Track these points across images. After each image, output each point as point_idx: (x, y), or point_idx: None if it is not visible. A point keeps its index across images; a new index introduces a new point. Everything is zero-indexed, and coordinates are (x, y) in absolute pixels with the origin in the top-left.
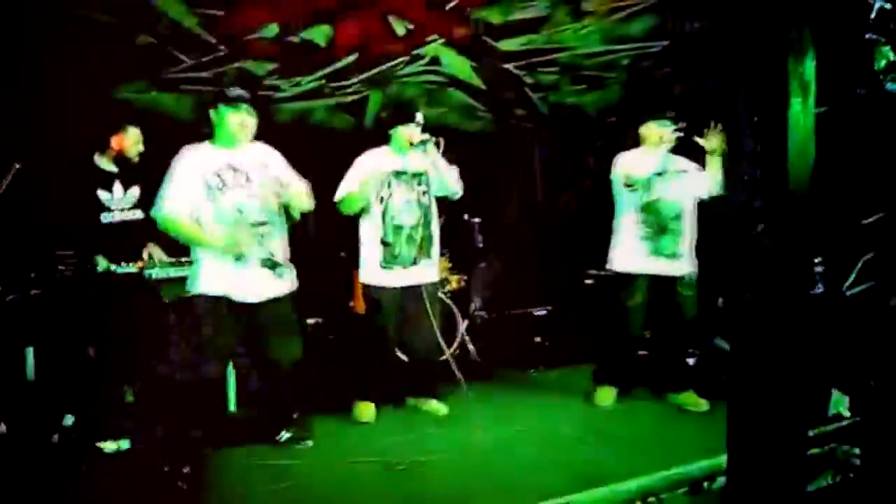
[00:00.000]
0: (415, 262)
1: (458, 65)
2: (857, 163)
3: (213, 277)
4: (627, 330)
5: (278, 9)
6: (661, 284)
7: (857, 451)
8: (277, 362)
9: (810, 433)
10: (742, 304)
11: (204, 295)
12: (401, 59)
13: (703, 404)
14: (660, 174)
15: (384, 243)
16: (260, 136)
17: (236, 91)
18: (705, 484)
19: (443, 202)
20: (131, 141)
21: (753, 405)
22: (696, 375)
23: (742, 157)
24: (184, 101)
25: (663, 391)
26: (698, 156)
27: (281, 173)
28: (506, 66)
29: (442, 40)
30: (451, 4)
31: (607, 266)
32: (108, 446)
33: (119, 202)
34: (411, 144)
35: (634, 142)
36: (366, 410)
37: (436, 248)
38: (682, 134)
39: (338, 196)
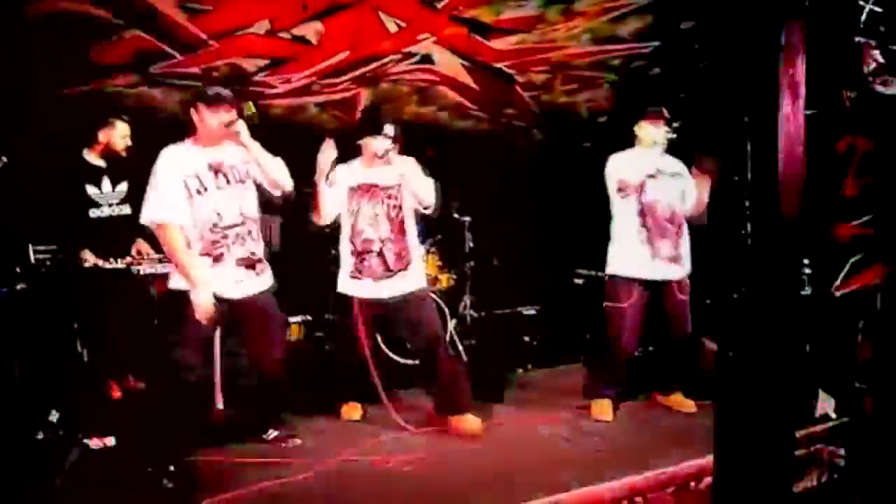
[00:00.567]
0: (388, 276)
1: (449, 63)
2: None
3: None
4: (623, 336)
5: (269, 5)
6: (658, 288)
7: (842, 451)
8: (261, 359)
9: (797, 434)
10: (730, 303)
11: (186, 290)
12: (392, 57)
13: (690, 405)
14: (652, 176)
15: (353, 258)
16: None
17: (215, 89)
18: (692, 484)
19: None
20: (119, 135)
21: (741, 405)
22: (684, 377)
23: (732, 159)
24: (172, 95)
25: (651, 391)
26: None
27: (258, 161)
28: (497, 64)
29: (434, 39)
30: (443, 3)
31: (606, 270)
32: (95, 443)
33: (107, 197)
34: (377, 157)
35: (629, 142)
36: (351, 410)
37: (415, 262)
38: (675, 135)
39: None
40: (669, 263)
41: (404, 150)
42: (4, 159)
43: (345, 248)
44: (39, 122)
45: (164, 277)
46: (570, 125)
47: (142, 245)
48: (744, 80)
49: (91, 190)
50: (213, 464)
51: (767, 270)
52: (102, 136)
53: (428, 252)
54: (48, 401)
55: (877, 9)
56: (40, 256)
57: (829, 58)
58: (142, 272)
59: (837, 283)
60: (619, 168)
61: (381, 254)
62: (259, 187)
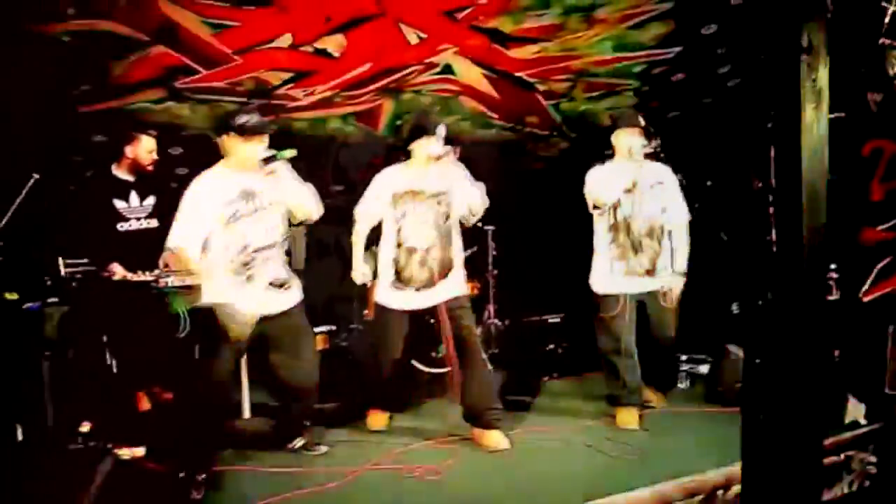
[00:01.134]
0: (428, 286)
1: (470, 73)
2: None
3: (223, 291)
4: (620, 350)
5: (292, 19)
6: (642, 300)
7: (873, 458)
8: (289, 371)
9: (827, 441)
10: (757, 310)
11: (215, 305)
12: (413, 68)
13: (660, 399)
14: (629, 190)
15: (395, 266)
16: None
17: (246, 117)
18: (720, 492)
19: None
20: (145, 150)
21: (769, 412)
22: (664, 381)
23: (755, 164)
24: (198, 110)
25: None
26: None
27: (289, 188)
28: (518, 73)
29: (455, 49)
30: (463, 13)
31: (590, 286)
32: (125, 453)
33: (135, 211)
34: (434, 159)
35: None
36: (378, 419)
37: (456, 271)
38: (652, 150)
39: (355, 216)
40: (645, 277)
41: None
42: (36, 176)
43: (386, 256)
44: (68, 139)
45: (192, 290)
46: (593, 132)
47: (170, 258)
48: (766, 84)
49: (119, 204)
50: (241, 473)
51: (794, 277)
52: (129, 151)
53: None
54: (79, 412)
55: None
56: (70, 270)
57: (853, 61)
58: (170, 284)
59: (865, 288)
60: (595, 186)
61: (424, 262)
62: (293, 203)
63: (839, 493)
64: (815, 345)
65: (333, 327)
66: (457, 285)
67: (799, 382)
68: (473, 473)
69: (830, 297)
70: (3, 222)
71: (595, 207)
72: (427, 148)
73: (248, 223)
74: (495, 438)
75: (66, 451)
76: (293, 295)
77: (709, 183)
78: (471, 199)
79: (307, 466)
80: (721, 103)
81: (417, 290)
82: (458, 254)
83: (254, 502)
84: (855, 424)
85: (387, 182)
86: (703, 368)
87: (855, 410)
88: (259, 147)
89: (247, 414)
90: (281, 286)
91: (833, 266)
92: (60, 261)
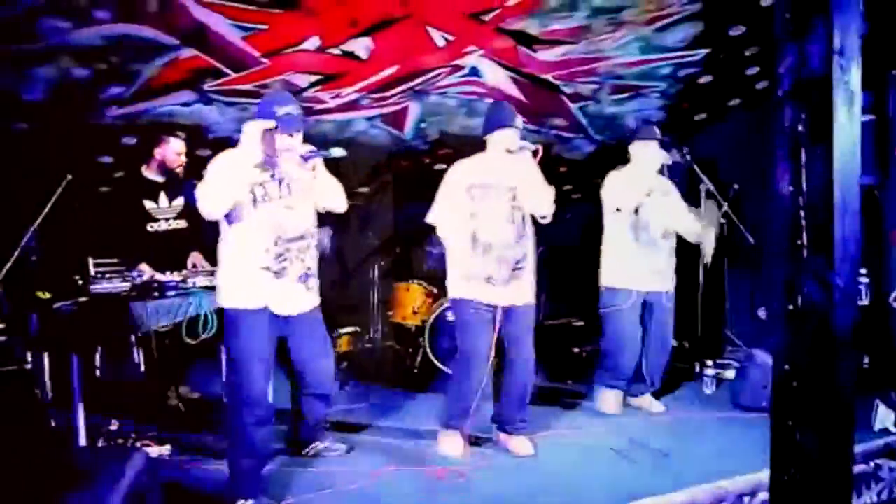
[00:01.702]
0: (504, 283)
1: (496, 75)
2: None
3: (252, 289)
4: (625, 343)
5: (320, 21)
6: (648, 298)
7: None
8: (310, 372)
9: (856, 449)
10: (785, 315)
11: (243, 308)
12: (440, 71)
13: (660, 407)
14: (647, 195)
15: (471, 263)
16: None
17: (285, 108)
18: (746, 498)
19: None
20: (174, 151)
21: (797, 419)
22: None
23: (785, 168)
24: (227, 113)
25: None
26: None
27: (321, 178)
28: (545, 76)
29: (481, 51)
30: (490, 16)
31: (601, 281)
32: (152, 451)
33: (164, 212)
34: (509, 152)
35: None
36: (455, 444)
37: (529, 272)
38: (671, 161)
39: (431, 219)
40: (657, 276)
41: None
42: (70, 177)
43: (464, 250)
44: (100, 141)
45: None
46: (619, 135)
47: (197, 258)
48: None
49: (149, 204)
50: (262, 473)
51: (824, 281)
52: (158, 153)
53: None
54: (108, 410)
55: None
56: (101, 270)
57: (885, 63)
58: (197, 285)
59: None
60: (617, 189)
61: (503, 262)
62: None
63: (868, 501)
64: (844, 350)
65: (358, 329)
66: (527, 292)
67: (828, 389)
68: (499, 477)
69: (861, 302)
70: (38, 222)
71: (617, 210)
72: (504, 140)
73: (283, 209)
74: (521, 444)
75: (95, 448)
76: (315, 296)
77: (736, 186)
78: (541, 196)
79: (328, 467)
80: (750, 105)
81: (495, 286)
82: (532, 254)
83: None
84: (885, 432)
85: (460, 175)
86: (730, 374)
87: (885, 418)
88: (296, 142)
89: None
90: (307, 281)
91: (863, 271)
92: (90, 261)
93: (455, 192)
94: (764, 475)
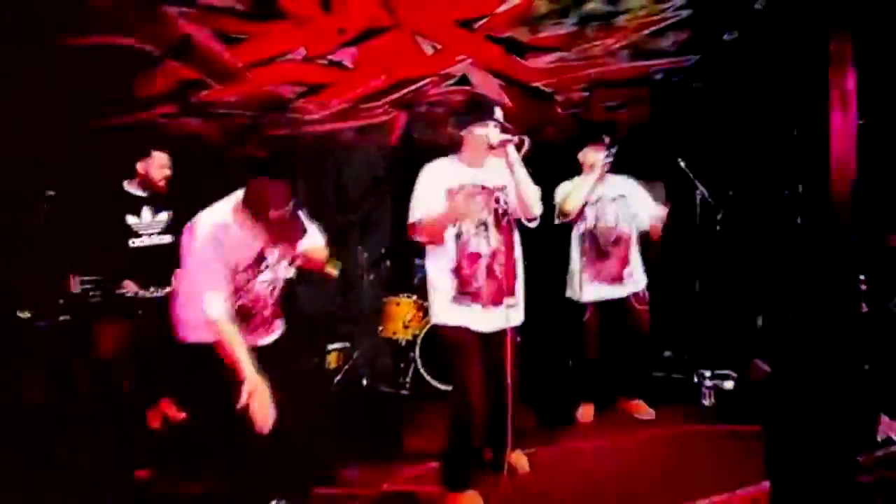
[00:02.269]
0: (496, 304)
1: (486, 84)
2: None
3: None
4: (588, 352)
5: (306, 31)
6: (609, 306)
7: None
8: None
9: (859, 459)
10: (784, 324)
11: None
12: (429, 80)
13: (649, 412)
14: (594, 203)
15: (457, 277)
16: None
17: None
18: None
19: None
20: (157, 165)
21: (798, 430)
22: (643, 383)
23: (782, 172)
24: (211, 125)
25: (615, 396)
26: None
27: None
28: (535, 83)
29: (470, 60)
30: (480, 24)
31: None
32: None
33: (147, 227)
34: (490, 148)
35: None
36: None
37: (520, 285)
38: (611, 160)
39: (413, 218)
40: (612, 283)
41: None
42: (51, 192)
43: (443, 266)
44: (82, 154)
45: None
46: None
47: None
48: (792, 91)
49: (131, 220)
50: None
51: (823, 288)
52: (141, 167)
53: None
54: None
55: None
56: (85, 287)
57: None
58: None
59: None
60: (560, 198)
61: (491, 272)
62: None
63: None
64: (845, 359)
65: (347, 344)
66: (519, 311)
67: (829, 398)
68: (498, 493)
69: (860, 310)
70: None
71: (561, 216)
72: (483, 135)
73: (263, 279)
74: (515, 460)
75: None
76: (279, 327)
77: (731, 193)
78: (529, 197)
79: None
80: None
81: (484, 307)
82: (520, 265)
83: None
84: (889, 442)
85: (437, 177)
86: (728, 384)
87: (888, 428)
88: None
89: None
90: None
91: (862, 276)
92: (72, 278)
93: (431, 197)
94: (765, 487)
